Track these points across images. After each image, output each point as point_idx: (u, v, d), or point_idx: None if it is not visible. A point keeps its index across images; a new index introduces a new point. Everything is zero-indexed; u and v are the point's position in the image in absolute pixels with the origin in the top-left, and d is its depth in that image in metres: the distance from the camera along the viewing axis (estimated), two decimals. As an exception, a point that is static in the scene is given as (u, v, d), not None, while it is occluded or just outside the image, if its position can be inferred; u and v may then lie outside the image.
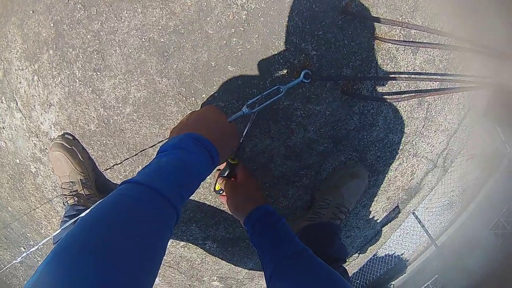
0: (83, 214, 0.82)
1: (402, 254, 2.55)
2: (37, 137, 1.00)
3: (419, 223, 2.18)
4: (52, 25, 0.88)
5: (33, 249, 0.79)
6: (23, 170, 1.08)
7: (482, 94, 1.31)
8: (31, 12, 0.90)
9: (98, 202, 0.77)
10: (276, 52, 0.84)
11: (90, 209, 0.80)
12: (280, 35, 0.82)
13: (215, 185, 0.93)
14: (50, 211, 1.14)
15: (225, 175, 0.89)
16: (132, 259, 0.41)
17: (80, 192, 0.94)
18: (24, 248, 1.28)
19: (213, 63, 0.84)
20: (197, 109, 0.73)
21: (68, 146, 0.92)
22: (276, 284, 0.69)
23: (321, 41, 0.85)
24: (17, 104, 0.98)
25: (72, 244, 0.40)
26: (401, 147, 1.11)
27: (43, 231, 1.20)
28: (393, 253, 2.51)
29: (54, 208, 1.12)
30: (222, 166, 0.91)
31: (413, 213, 2.07)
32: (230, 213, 0.89)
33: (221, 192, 0.92)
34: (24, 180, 1.10)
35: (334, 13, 0.84)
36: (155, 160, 0.58)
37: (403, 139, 1.10)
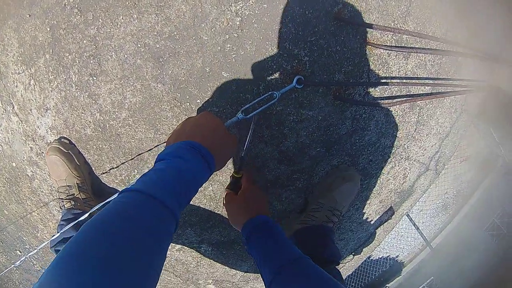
0: (81, 218, 0.84)
1: (397, 257, 2.57)
2: (34, 141, 1.01)
3: (414, 225, 2.19)
4: (48, 29, 0.89)
5: (31, 253, 0.80)
6: (19, 174, 1.09)
7: (474, 97, 1.33)
8: (28, 16, 0.90)
9: (97, 206, 0.79)
10: (269, 58, 0.85)
11: (88, 213, 0.82)
12: (274, 41, 0.84)
13: (223, 199, 0.95)
14: (46, 214, 1.15)
15: (231, 188, 0.92)
16: (135, 267, 0.42)
17: (76, 196, 0.94)
18: (20, 252, 1.28)
19: (207, 69, 0.85)
20: (193, 115, 0.74)
21: (65, 150, 0.93)
22: None
23: (313, 47, 0.87)
24: (13, 107, 0.99)
25: (76, 252, 0.41)
26: (393, 150, 1.13)
27: (39, 234, 1.21)
28: (388, 256, 2.52)
29: (50, 211, 1.13)
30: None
31: (408, 215, 2.08)
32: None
33: None
34: (20, 183, 1.11)
35: (327, 19, 0.86)
36: (153, 169, 0.59)
37: (395, 143, 1.12)
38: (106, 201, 0.77)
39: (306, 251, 0.94)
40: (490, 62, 1.08)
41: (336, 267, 0.93)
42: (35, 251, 0.80)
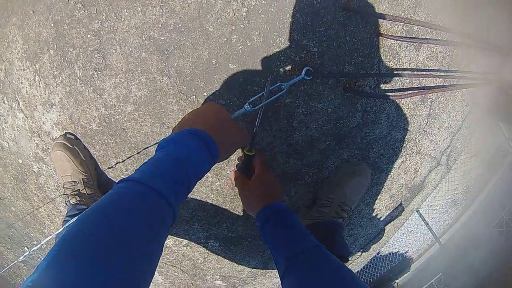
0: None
1: (405, 252, 2.55)
2: (39, 137, 1.00)
3: (423, 221, 2.16)
4: (52, 25, 0.87)
5: (35, 247, 0.80)
6: (25, 170, 1.08)
7: (485, 91, 1.29)
8: (31, 12, 0.89)
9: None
10: (277, 49, 0.83)
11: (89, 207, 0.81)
12: (281, 32, 0.82)
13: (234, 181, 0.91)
14: (53, 210, 1.14)
15: (241, 169, 0.89)
16: (128, 258, 0.41)
17: (82, 192, 0.94)
18: (28, 248, 1.28)
19: (213, 61, 0.84)
20: (198, 107, 0.72)
21: (70, 146, 0.92)
22: (289, 282, 0.66)
23: (322, 38, 0.84)
24: (19, 104, 0.98)
25: (71, 243, 0.40)
26: (404, 144, 1.11)
27: (46, 230, 1.20)
28: (397, 251, 2.50)
29: (56, 207, 1.13)
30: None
31: (417, 211, 2.06)
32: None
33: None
34: (27, 180, 1.10)
35: (336, 10, 0.83)
36: (152, 158, 0.58)
37: (406, 137, 1.09)
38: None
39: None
40: (500, 55, 1.04)
41: (345, 263, 0.91)
42: (39, 246, 0.80)
